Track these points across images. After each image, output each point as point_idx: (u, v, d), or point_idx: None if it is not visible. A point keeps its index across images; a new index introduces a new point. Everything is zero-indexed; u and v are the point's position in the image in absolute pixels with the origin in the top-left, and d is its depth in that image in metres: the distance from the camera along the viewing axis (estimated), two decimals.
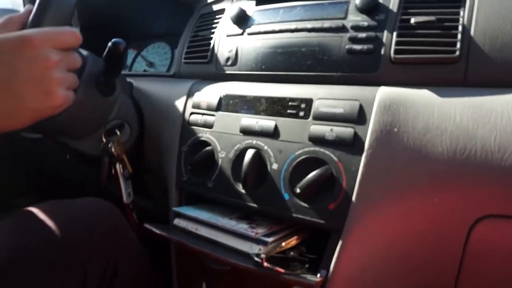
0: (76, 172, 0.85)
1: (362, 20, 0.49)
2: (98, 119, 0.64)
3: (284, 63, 0.53)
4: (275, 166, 0.49)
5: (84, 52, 0.59)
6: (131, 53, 0.98)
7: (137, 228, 0.66)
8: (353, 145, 0.44)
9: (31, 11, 0.47)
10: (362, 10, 0.49)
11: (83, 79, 0.57)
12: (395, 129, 0.43)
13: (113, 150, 0.63)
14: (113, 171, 0.65)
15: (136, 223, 0.67)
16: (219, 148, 0.54)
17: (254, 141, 0.51)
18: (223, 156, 0.53)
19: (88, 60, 0.58)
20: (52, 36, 0.42)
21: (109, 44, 0.54)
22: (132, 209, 0.69)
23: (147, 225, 0.53)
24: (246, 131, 0.52)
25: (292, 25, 0.53)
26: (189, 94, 0.60)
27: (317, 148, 0.46)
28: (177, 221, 0.54)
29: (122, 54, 0.54)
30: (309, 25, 0.52)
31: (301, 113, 0.48)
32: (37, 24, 0.44)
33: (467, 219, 0.42)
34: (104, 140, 0.64)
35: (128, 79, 0.72)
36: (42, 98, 0.41)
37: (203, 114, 0.57)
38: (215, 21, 0.64)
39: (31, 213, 0.52)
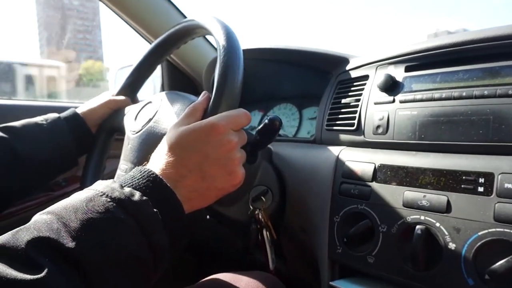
0: (217, 236, 0.89)
1: None
2: (244, 186, 0.67)
3: (449, 133, 0.50)
4: (451, 246, 0.45)
5: None
6: (257, 115, 1.03)
7: None
8: None
9: (208, 97, 0.52)
10: None
11: None
12: None
13: (260, 216, 0.65)
14: (259, 237, 0.66)
15: None
16: (378, 222, 0.52)
17: (422, 216, 0.48)
18: (385, 231, 0.51)
19: None
20: (232, 120, 0.47)
21: (266, 120, 0.57)
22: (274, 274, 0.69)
23: None
24: (411, 206, 0.49)
25: (455, 92, 0.50)
26: (338, 162, 0.60)
27: (507, 230, 0.41)
28: None
29: (277, 130, 0.57)
30: (477, 91, 0.49)
31: (480, 189, 0.44)
32: (216, 109, 0.49)
33: None
34: (251, 207, 0.66)
35: None
36: (227, 177, 0.45)
37: (356, 184, 0.56)
38: (358, 87, 0.64)
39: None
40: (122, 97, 0.78)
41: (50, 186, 0.92)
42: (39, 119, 0.70)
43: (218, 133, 0.44)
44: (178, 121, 0.48)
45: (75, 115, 0.74)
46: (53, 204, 0.36)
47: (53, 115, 0.72)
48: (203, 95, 0.53)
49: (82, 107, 0.76)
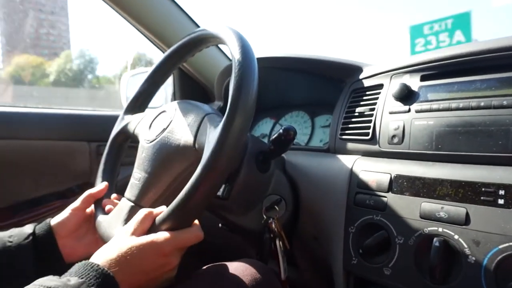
0: (229, 244, 0.89)
1: None
2: (257, 195, 0.67)
3: (467, 143, 0.50)
4: (471, 259, 0.44)
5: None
6: (269, 122, 1.03)
7: None
8: None
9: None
10: None
11: (246, 159, 0.61)
12: None
13: (273, 225, 0.65)
14: (272, 246, 0.66)
15: None
16: (395, 233, 0.51)
17: (440, 228, 0.47)
18: (401, 242, 0.50)
19: (249, 141, 0.62)
20: (180, 245, 0.48)
21: (281, 130, 0.57)
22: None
23: None
24: (428, 217, 0.49)
25: (473, 102, 0.50)
26: (353, 172, 0.60)
27: None
28: None
29: (291, 140, 0.57)
30: (495, 101, 0.48)
31: (500, 201, 0.44)
32: (231, 123, 0.48)
33: None
34: (264, 216, 0.66)
35: None
36: (162, 279, 0.48)
37: (372, 194, 0.56)
38: (373, 96, 0.64)
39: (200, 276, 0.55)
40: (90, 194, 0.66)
41: (63, 193, 0.93)
42: (6, 235, 0.59)
43: (163, 255, 0.46)
44: (130, 229, 0.49)
45: (48, 236, 0.62)
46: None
47: (22, 237, 0.60)
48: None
49: (56, 219, 0.64)
